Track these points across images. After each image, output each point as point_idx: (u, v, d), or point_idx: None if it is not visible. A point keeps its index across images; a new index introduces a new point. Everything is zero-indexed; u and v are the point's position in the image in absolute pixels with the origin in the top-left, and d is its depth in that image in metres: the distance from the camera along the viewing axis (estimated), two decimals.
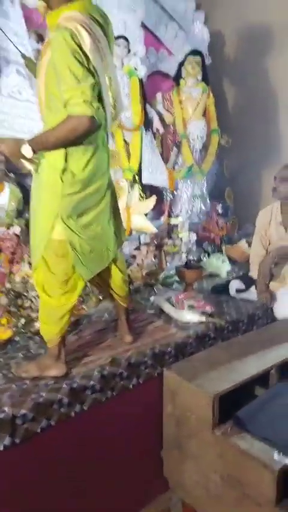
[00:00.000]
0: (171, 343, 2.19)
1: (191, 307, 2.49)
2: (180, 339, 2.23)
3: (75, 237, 1.76)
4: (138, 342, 2.18)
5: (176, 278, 3.08)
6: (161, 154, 4.52)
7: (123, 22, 3.95)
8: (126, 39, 3.98)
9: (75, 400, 1.75)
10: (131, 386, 1.97)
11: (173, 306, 2.56)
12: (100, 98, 1.63)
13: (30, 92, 3.30)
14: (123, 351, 2.07)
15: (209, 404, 1.81)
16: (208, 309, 2.50)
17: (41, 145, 1.64)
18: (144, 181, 4.22)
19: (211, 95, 4.66)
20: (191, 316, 2.44)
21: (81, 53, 1.53)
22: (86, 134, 1.60)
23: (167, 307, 2.56)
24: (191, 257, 3.56)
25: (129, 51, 4.04)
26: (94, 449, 1.85)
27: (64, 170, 1.67)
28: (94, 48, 1.56)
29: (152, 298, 2.75)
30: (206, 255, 3.66)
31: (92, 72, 1.56)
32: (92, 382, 1.82)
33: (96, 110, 1.55)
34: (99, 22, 1.65)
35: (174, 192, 4.64)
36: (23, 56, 3.10)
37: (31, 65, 3.28)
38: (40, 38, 3.56)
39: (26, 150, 1.61)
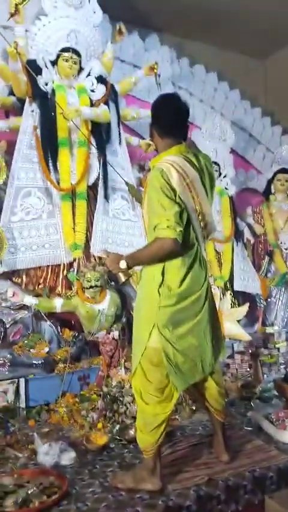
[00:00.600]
0: (273, 467, 2.01)
1: None
2: (282, 463, 2.04)
3: (170, 347, 1.84)
4: (236, 462, 2.04)
5: (275, 392, 2.91)
6: (253, 263, 4.63)
7: (214, 150, 4.45)
8: (217, 164, 4.44)
9: None
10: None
11: (272, 424, 2.39)
12: (190, 223, 1.88)
13: (132, 212, 3.78)
14: (220, 471, 1.95)
15: None
16: None
17: (135, 261, 1.90)
18: (236, 288, 4.30)
19: None
20: None
21: (169, 188, 1.82)
22: (170, 253, 1.82)
23: (266, 425, 2.40)
24: None
25: (220, 174, 4.46)
26: None
27: (161, 284, 1.85)
28: (181, 182, 1.85)
29: (249, 414, 2.61)
30: None
31: (178, 202, 1.83)
32: (188, 502, 1.72)
33: (178, 233, 1.78)
34: (191, 160, 1.96)
35: (268, 299, 4.61)
36: (127, 183, 3.66)
37: (133, 191, 3.84)
38: (141, 168, 4.16)
39: (123, 264, 1.87)
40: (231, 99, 5.12)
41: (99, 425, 2.44)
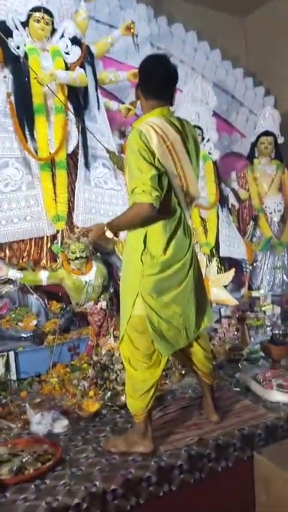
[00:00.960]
0: (261, 424, 2.06)
1: (279, 386, 2.37)
2: (270, 421, 2.10)
3: (154, 315, 1.84)
4: (225, 421, 2.10)
5: (262, 354, 2.97)
6: (238, 229, 4.63)
7: (196, 113, 4.34)
8: (200, 128, 4.34)
9: (163, 479, 1.71)
10: (219, 469, 1.88)
11: (260, 384, 2.45)
12: (171, 187, 1.83)
13: (114, 181, 3.70)
14: (210, 431, 2.00)
15: None
16: None
17: (115, 227, 1.88)
18: (222, 254, 4.31)
19: (286, 171, 4.79)
20: (280, 397, 2.30)
21: (147, 150, 1.76)
22: (148, 218, 1.78)
23: (254, 386, 2.46)
24: (276, 331, 3.43)
25: (203, 138, 4.38)
26: None
27: (143, 252, 1.83)
28: (161, 144, 1.79)
29: (237, 375, 2.67)
30: None
31: (156, 166, 1.77)
32: (179, 462, 1.77)
33: (154, 198, 1.73)
34: (174, 123, 1.89)
35: (254, 264, 4.65)
36: (107, 150, 3.56)
37: (115, 158, 3.74)
38: (122, 135, 4.05)
39: (108, 233, 1.86)
40: (212, 60, 4.96)
41: (91, 393, 2.48)
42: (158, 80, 1.89)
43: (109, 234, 1.84)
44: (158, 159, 1.77)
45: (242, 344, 3.15)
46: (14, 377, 2.78)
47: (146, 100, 1.92)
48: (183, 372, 2.73)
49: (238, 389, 2.51)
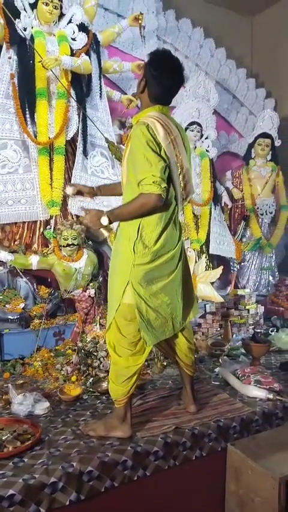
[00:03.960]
0: (236, 418, 2.14)
1: (257, 382, 2.44)
2: (245, 415, 2.17)
3: (143, 303, 1.89)
4: (202, 413, 2.16)
5: (243, 350, 3.05)
6: (229, 227, 4.69)
7: (197, 110, 4.37)
8: (199, 124, 4.38)
9: (138, 464, 1.77)
10: (193, 457, 1.94)
11: (238, 379, 2.53)
12: (171, 180, 1.87)
13: (111, 171, 3.71)
14: (187, 421, 2.07)
15: (275, 488, 1.72)
16: (276, 386, 2.42)
17: (116, 216, 1.89)
18: (211, 252, 4.37)
19: (280, 173, 4.85)
20: (257, 392, 2.38)
21: (154, 142, 1.80)
22: (154, 209, 1.83)
23: (233, 380, 2.53)
24: (258, 330, 3.51)
25: (201, 135, 4.41)
26: None
27: (136, 242, 1.87)
28: (166, 137, 1.83)
29: (217, 370, 2.74)
30: (275, 329, 3.59)
31: (163, 158, 1.82)
32: (155, 448, 1.83)
33: (163, 189, 1.78)
34: (173, 121, 1.96)
35: (242, 263, 4.72)
36: (107, 140, 3.57)
37: (113, 148, 3.75)
38: (122, 125, 4.06)
39: (104, 220, 1.86)
40: (217, 58, 4.98)
41: (73, 378, 2.52)
42: (171, 91, 1.93)
43: (104, 221, 1.86)
44: (164, 151, 1.81)
45: (224, 340, 3.22)
46: None
47: (149, 99, 1.94)
48: (164, 363, 2.79)
49: (217, 383, 2.58)
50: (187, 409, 2.17)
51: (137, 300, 1.88)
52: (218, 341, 3.18)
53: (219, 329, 3.38)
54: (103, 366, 2.57)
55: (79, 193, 2.22)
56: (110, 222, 1.88)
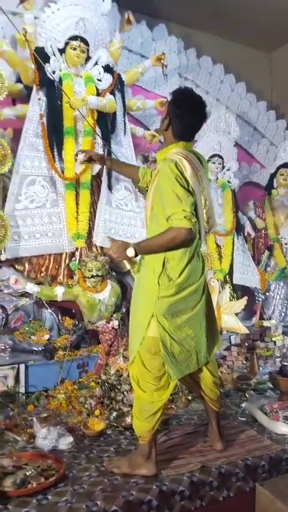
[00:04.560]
0: (265, 456, 2.07)
1: (286, 418, 2.37)
2: (274, 453, 2.10)
3: (167, 336, 1.89)
4: (229, 450, 2.10)
5: (270, 385, 2.97)
6: (253, 257, 4.66)
7: (218, 142, 4.46)
8: (220, 156, 4.45)
9: (164, 504, 1.72)
10: (221, 498, 1.88)
11: (266, 415, 2.45)
12: (196, 215, 1.91)
13: (135, 203, 3.80)
14: (213, 459, 2.01)
15: None
16: None
17: (143, 249, 1.93)
18: (235, 282, 4.34)
19: None
20: (286, 429, 2.31)
21: (182, 178, 1.86)
22: (183, 243, 1.87)
23: (260, 416, 2.46)
24: (285, 363, 3.41)
25: (223, 167, 4.48)
26: None
27: (161, 274, 1.89)
28: (193, 174, 1.89)
29: (243, 405, 2.67)
30: None
31: (191, 193, 1.87)
32: (181, 488, 1.78)
33: (193, 223, 1.83)
34: (198, 157, 2.02)
35: (267, 293, 4.65)
36: None
37: (150, 183, 3.83)
38: (145, 160, 4.17)
39: (130, 252, 1.89)
40: (237, 92, 5.10)
41: (97, 412, 2.50)
42: (194, 128, 2.01)
43: (130, 253, 1.89)
44: (192, 188, 1.87)
45: (251, 373, 3.15)
46: (22, 390, 2.83)
47: (173, 136, 2.01)
48: (189, 398, 2.74)
49: (244, 419, 2.51)
50: (213, 446, 2.12)
51: (162, 332, 1.87)
52: (243, 374, 3.11)
53: (244, 362, 3.32)
54: (127, 400, 2.55)
55: (90, 160, 2.45)
56: (136, 255, 1.91)
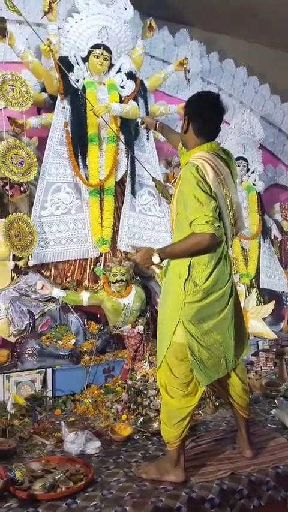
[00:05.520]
0: None
1: None
2: None
3: (194, 342, 1.86)
4: (259, 458, 2.05)
5: None
6: (280, 261, 4.58)
7: (243, 145, 4.42)
8: (245, 159, 4.41)
9: (193, 511, 1.70)
10: (251, 507, 1.83)
11: None
12: (221, 218, 1.88)
13: (158, 208, 3.81)
14: (243, 466, 1.97)
15: None
16: None
17: (168, 254, 1.91)
18: (262, 286, 4.27)
19: None
20: None
21: (204, 183, 1.83)
22: (207, 248, 1.84)
23: None
24: None
25: (248, 170, 4.43)
26: None
27: (187, 280, 1.87)
28: (216, 179, 1.86)
29: (273, 412, 2.60)
30: None
31: (213, 197, 1.84)
32: (211, 495, 1.74)
33: (216, 228, 1.80)
34: (223, 158, 1.97)
35: None
36: (154, 179, 3.68)
37: (160, 187, 3.85)
38: (168, 164, 4.17)
39: (156, 259, 1.88)
40: (261, 94, 5.05)
41: (124, 417, 2.50)
42: (213, 123, 1.97)
43: (156, 260, 1.88)
44: (214, 192, 1.84)
45: (280, 380, 3.08)
46: (49, 394, 2.85)
47: (196, 136, 1.97)
48: (217, 404, 2.70)
49: (274, 426, 2.45)
50: (243, 453, 2.07)
51: (189, 338, 1.85)
52: (272, 381, 3.04)
53: (273, 368, 3.24)
54: (153, 405, 2.53)
55: (142, 123, 2.76)
56: (161, 260, 1.90)
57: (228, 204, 1.92)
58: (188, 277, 1.86)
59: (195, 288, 1.86)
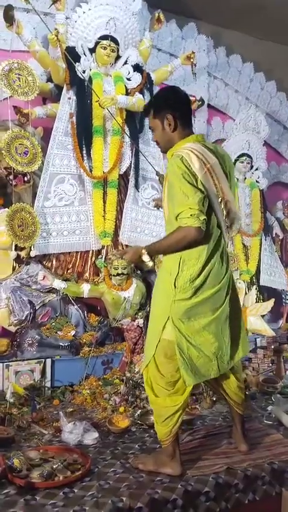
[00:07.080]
0: None
1: None
2: None
3: (183, 340, 1.82)
4: (255, 453, 2.07)
5: None
6: (281, 259, 4.59)
7: (247, 142, 4.40)
8: (249, 156, 4.39)
9: (189, 504, 1.71)
10: (246, 501, 1.85)
11: None
12: (212, 209, 1.83)
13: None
14: (239, 461, 1.99)
15: None
16: None
17: (155, 251, 1.91)
18: (262, 283, 4.28)
19: None
20: None
21: (190, 174, 1.76)
22: (193, 242, 1.78)
23: (286, 420, 2.41)
24: None
25: (251, 166, 4.42)
26: None
27: (177, 276, 1.82)
28: (202, 167, 1.79)
29: (269, 408, 2.62)
30: None
31: (200, 189, 1.77)
32: (206, 488, 1.77)
33: (202, 221, 1.74)
34: (210, 148, 1.91)
35: None
36: (157, 173, 3.67)
37: (163, 181, 3.83)
38: None
39: (145, 257, 1.87)
40: (267, 91, 5.02)
41: (121, 409, 2.52)
42: (190, 112, 2.00)
43: (146, 258, 1.85)
44: (201, 182, 1.78)
45: (277, 377, 3.10)
46: (48, 384, 2.87)
47: (183, 129, 1.93)
48: (214, 398, 2.72)
49: (270, 422, 2.47)
50: (238, 448, 2.09)
51: (178, 336, 1.81)
52: (269, 377, 3.07)
53: (271, 365, 3.26)
54: None
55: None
56: (151, 257, 1.88)
57: (218, 194, 1.85)
58: (178, 273, 1.81)
59: (185, 285, 1.81)
